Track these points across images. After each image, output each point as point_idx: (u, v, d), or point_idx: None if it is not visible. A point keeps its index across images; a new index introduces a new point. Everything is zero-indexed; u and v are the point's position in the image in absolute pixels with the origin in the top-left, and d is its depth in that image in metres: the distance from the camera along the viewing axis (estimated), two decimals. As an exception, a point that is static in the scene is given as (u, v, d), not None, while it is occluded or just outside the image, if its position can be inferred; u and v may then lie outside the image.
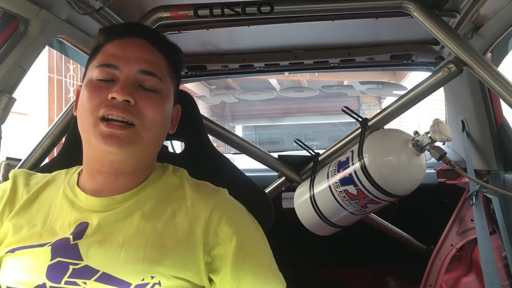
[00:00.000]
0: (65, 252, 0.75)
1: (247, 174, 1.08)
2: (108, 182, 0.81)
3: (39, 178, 0.90)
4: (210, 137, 1.21)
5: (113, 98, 0.75)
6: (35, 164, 1.22)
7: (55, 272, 0.73)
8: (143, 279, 0.73)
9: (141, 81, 0.79)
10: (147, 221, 0.78)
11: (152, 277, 0.73)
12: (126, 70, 0.79)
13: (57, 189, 0.86)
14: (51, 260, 0.74)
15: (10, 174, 0.90)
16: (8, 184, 0.88)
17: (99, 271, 0.73)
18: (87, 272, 0.73)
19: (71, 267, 0.73)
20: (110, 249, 0.75)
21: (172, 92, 0.86)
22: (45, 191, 0.86)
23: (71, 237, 0.76)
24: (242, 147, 1.59)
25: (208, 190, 0.86)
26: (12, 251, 0.78)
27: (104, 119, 0.75)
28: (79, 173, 0.88)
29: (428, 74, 1.31)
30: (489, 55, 1.39)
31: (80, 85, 0.86)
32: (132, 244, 0.75)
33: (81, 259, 0.74)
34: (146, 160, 0.84)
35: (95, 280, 0.72)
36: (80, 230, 0.77)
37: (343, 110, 1.43)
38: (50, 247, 0.76)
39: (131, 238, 0.76)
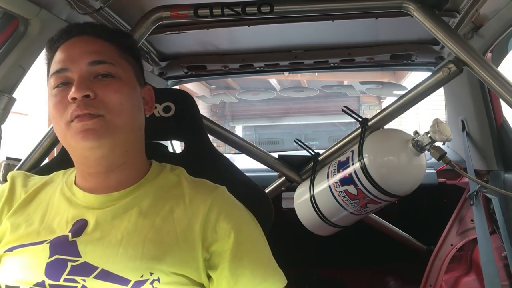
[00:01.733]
0: (64, 250, 0.75)
1: (247, 174, 1.08)
2: (101, 181, 0.82)
3: (37, 179, 0.90)
4: (210, 137, 1.21)
5: (73, 98, 0.75)
6: (35, 164, 1.22)
7: (54, 269, 0.74)
8: (142, 276, 0.73)
9: (94, 72, 0.78)
10: (145, 217, 0.79)
11: (151, 274, 0.73)
12: (76, 68, 0.78)
13: (55, 189, 0.86)
14: (49, 257, 0.75)
15: (8, 176, 0.90)
16: (6, 185, 0.88)
17: (97, 268, 0.73)
18: (86, 269, 0.73)
19: (69, 264, 0.74)
20: (109, 246, 0.75)
21: (133, 74, 0.85)
22: (43, 191, 0.87)
23: (69, 234, 0.77)
24: (242, 147, 1.59)
25: (206, 187, 0.86)
26: (11, 249, 0.78)
27: (72, 120, 0.75)
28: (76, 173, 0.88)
29: (428, 74, 1.31)
30: (489, 55, 1.39)
31: None
32: (131, 241, 0.75)
33: (79, 256, 0.74)
34: (131, 150, 0.83)
35: (94, 277, 0.72)
36: (79, 228, 0.77)
37: (343, 110, 1.43)
38: (49, 244, 0.76)
39: (129, 235, 0.76)
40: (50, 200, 0.84)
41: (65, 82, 0.78)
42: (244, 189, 0.99)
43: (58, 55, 0.81)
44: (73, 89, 0.75)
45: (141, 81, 0.88)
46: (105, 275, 0.73)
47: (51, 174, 0.92)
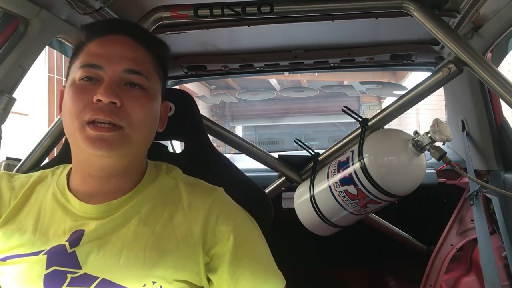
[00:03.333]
0: (62, 261, 0.73)
1: (247, 174, 1.08)
2: (101, 185, 0.79)
3: (23, 178, 0.86)
4: (210, 137, 1.21)
5: (98, 100, 0.72)
6: (35, 164, 1.22)
7: (53, 281, 0.72)
8: (144, 285, 0.72)
9: (127, 80, 0.76)
10: (145, 225, 0.77)
11: (154, 282, 0.72)
12: (110, 70, 0.75)
13: (45, 191, 0.82)
14: (46, 269, 0.73)
15: None
16: None
17: (98, 277, 0.72)
18: (86, 280, 0.72)
19: (69, 276, 0.72)
20: (110, 256, 0.74)
21: (160, 89, 0.83)
22: (33, 194, 0.83)
23: (67, 244, 0.74)
24: (242, 147, 1.59)
25: (204, 190, 0.85)
26: (4, 259, 0.76)
27: (90, 122, 0.72)
28: (67, 174, 0.84)
29: (428, 74, 1.31)
30: (489, 55, 1.39)
31: (64, 86, 0.82)
32: (132, 249, 0.74)
33: (80, 267, 0.73)
34: (136, 161, 0.81)
35: (95, 287, 0.72)
36: (77, 237, 0.75)
37: (343, 110, 1.43)
38: (46, 255, 0.74)
39: (130, 243, 0.75)
40: (42, 204, 0.81)
41: (92, 78, 0.75)
42: (244, 189, 0.99)
43: (94, 47, 0.77)
44: (101, 91, 0.72)
45: (163, 95, 0.86)
46: (106, 285, 0.72)
47: (37, 172, 0.87)
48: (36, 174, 0.87)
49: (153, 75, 0.81)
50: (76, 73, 0.76)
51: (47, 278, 0.72)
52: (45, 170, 0.88)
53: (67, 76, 0.81)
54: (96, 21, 0.78)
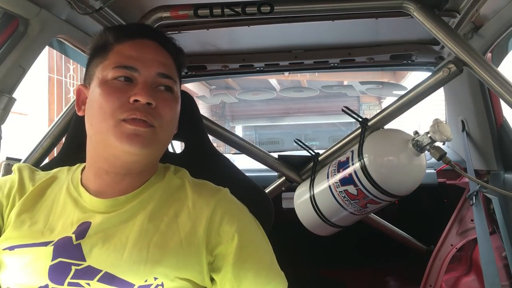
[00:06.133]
0: (68, 252, 0.75)
1: (247, 174, 1.08)
2: (114, 182, 0.81)
3: (42, 174, 0.90)
4: (210, 137, 1.21)
5: (135, 100, 0.76)
6: (35, 165, 1.21)
7: (57, 273, 0.73)
8: (146, 280, 0.73)
9: (159, 83, 0.81)
10: (150, 221, 0.78)
11: (155, 278, 0.73)
12: (145, 73, 0.79)
13: (60, 186, 0.86)
14: (52, 260, 0.74)
15: (14, 167, 0.89)
16: (15, 176, 0.87)
17: (101, 270, 0.73)
18: (90, 273, 0.73)
19: (73, 267, 0.73)
20: (114, 250, 0.75)
21: (179, 92, 0.89)
22: (49, 188, 0.86)
23: (73, 236, 0.76)
24: (242, 147, 1.59)
25: (209, 190, 0.86)
26: (11, 248, 0.77)
27: (126, 120, 0.76)
28: (82, 171, 0.87)
29: (428, 74, 1.31)
30: (489, 55, 1.39)
31: (82, 85, 0.86)
32: (136, 245, 0.75)
33: (84, 260, 0.74)
34: (155, 160, 0.86)
35: (98, 281, 0.72)
36: (83, 229, 0.77)
37: (343, 110, 1.43)
38: (53, 247, 0.75)
39: (134, 239, 0.76)
40: (55, 198, 0.84)
41: (128, 78, 0.79)
42: (244, 189, 0.99)
43: (128, 50, 0.81)
44: (139, 91, 0.76)
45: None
46: (109, 279, 0.72)
47: (55, 170, 0.91)
48: (53, 171, 0.91)
49: (177, 80, 0.86)
50: (108, 72, 0.79)
51: (52, 270, 0.73)
52: (63, 167, 0.92)
53: (86, 74, 0.85)
54: (123, 24, 0.82)
